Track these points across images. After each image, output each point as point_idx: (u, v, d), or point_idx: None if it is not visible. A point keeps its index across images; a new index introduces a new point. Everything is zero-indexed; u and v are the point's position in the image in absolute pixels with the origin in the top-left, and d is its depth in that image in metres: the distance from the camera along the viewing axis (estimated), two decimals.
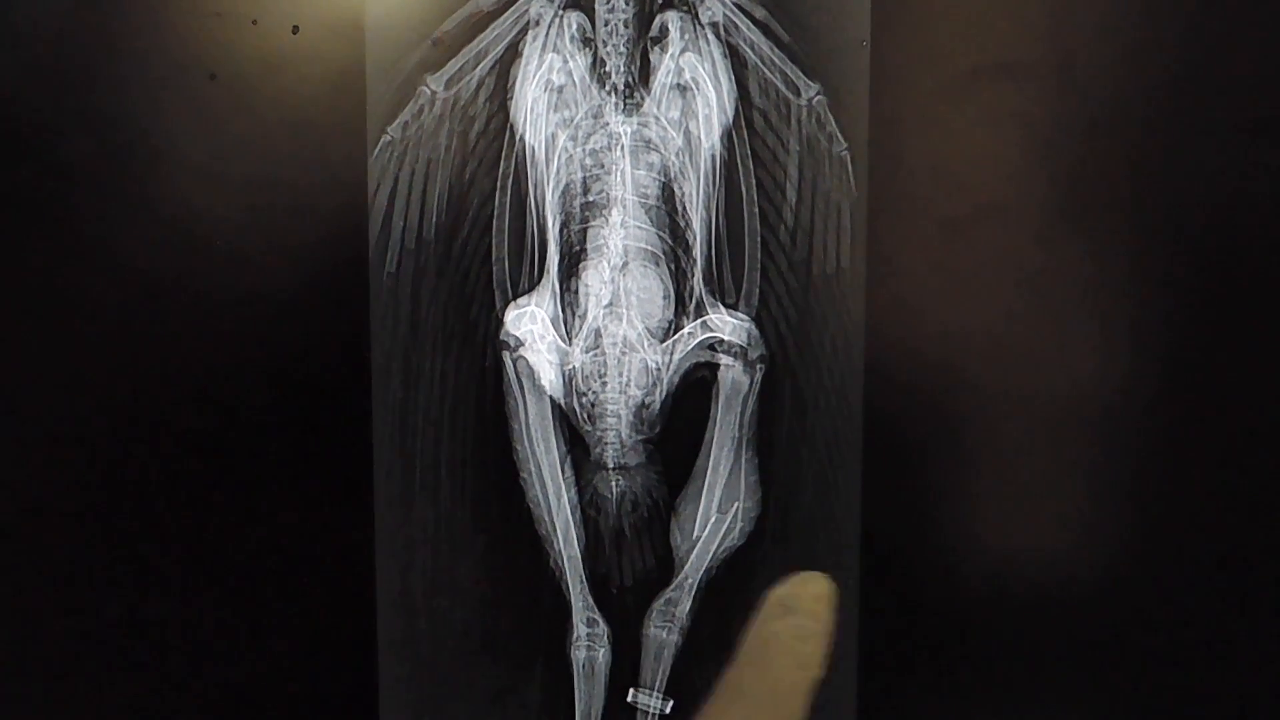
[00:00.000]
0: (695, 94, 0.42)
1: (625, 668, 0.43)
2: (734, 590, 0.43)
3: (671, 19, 0.41)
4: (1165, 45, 0.40)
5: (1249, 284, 0.41)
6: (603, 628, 0.43)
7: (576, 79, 0.42)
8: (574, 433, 0.43)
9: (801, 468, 0.42)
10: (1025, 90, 0.41)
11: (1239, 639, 0.42)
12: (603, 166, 0.42)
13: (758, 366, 0.42)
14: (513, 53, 0.42)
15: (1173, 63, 0.41)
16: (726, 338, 0.42)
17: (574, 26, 0.42)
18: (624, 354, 0.43)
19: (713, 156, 0.42)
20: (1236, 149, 0.40)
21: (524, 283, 0.42)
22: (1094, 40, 0.40)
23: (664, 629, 0.43)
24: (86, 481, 0.43)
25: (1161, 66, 0.41)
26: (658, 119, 0.42)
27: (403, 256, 0.42)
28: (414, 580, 0.43)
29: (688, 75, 0.41)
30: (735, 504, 0.42)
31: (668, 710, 0.43)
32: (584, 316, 0.43)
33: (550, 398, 0.43)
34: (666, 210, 0.42)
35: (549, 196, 0.42)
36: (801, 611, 0.24)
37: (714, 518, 0.43)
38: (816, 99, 0.41)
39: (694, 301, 0.42)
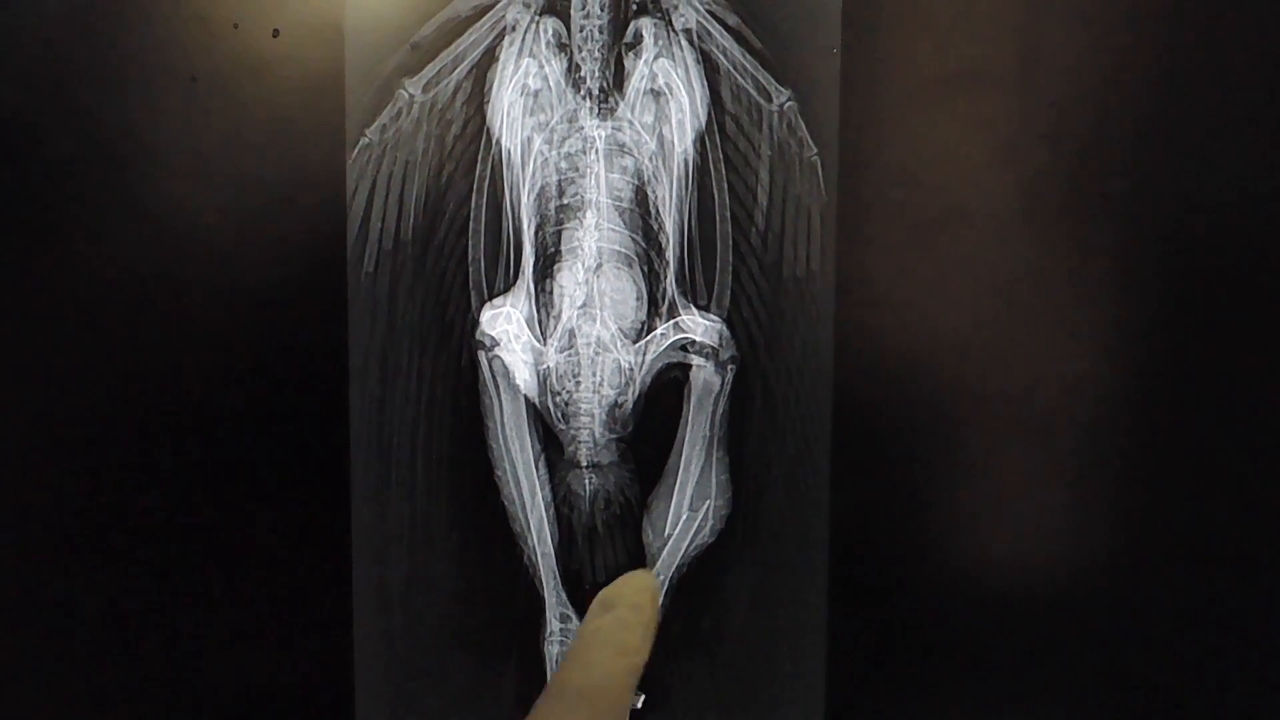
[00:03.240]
0: (669, 99, 0.42)
1: None
2: (705, 587, 0.43)
3: (646, 25, 0.42)
4: (1130, 52, 0.41)
5: (1218, 284, 0.42)
6: (576, 624, 0.43)
7: (552, 83, 0.42)
8: (548, 431, 0.44)
9: (771, 467, 0.43)
10: (993, 97, 0.41)
11: (1218, 637, 0.43)
12: (577, 170, 0.43)
13: (729, 367, 0.43)
14: (489, 57, 0.42)
15: (1138, 69, 0.41)
16: (698, 339, 0.43)
17: (550, 32, 0.42)
18: (597, 354, 0.43)
19: (685, 160, 0.42)
20: (1203, 152, 0.41)
21: (499, 283, 0.43)
22: (1060, 48, 0.41)
23: None
24: (62, 476, 0.43)
25: (1126, 73, 0.41)
26: (632, 123, 0.42)
27: (380, 257, 0.43)
28: (390, 576, 0.44)
29: (661, 80, 0.42)
30: (706, 502, 0.43)
31: (639, 704, 0.43)
32: (558, 317, 0.43)
33: (525, 397, 0.43)
34: (640, 213, 0.43)
35: (524, 199, 0.43)
36: (622, 605, 0.25)
37: (685, 515, 0.43)
38: (788, 105, 0.42)
39: (666, 303, 0.43)
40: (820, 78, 0.41)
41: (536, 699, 0.23)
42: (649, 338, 0.43)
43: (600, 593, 0.26)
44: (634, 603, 0.25)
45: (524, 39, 0.42)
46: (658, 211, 0.42)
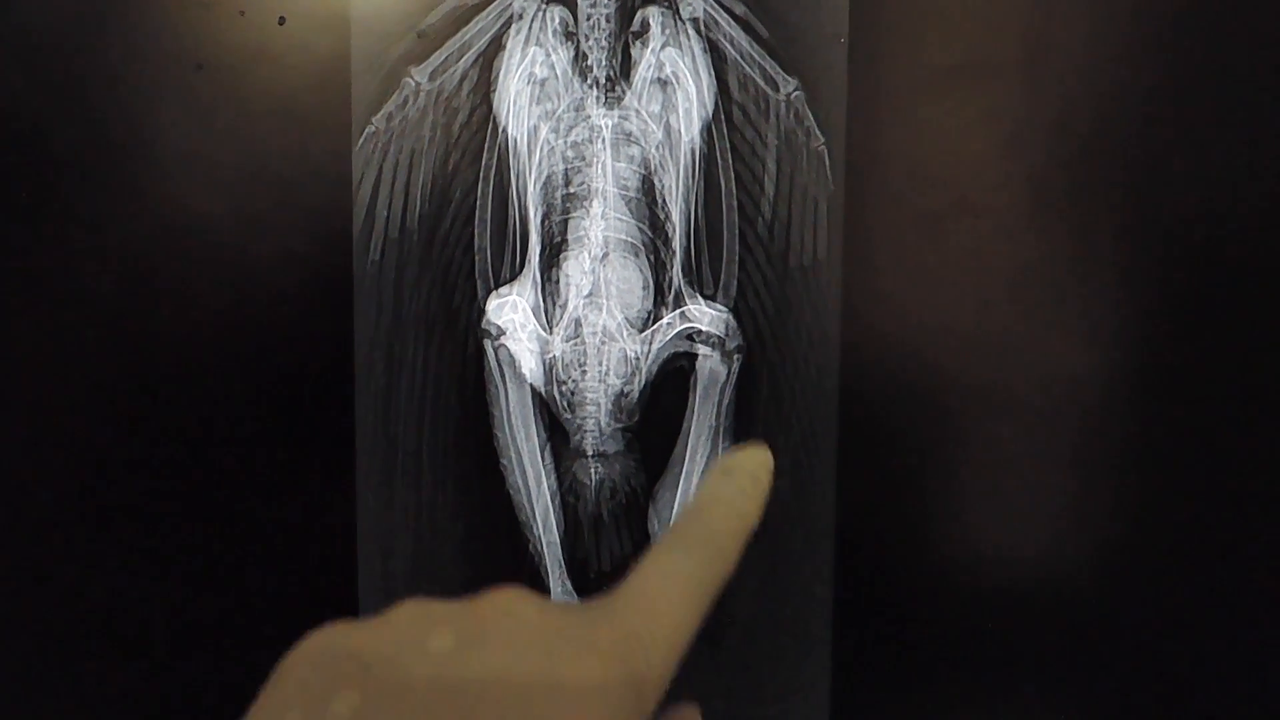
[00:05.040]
0: (675, 88, 0.42)
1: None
2: None
3: (653, 14, 0.42)
4: (1137, 44, 0.41)
5: (1224, 276, 0.42)
6: None
7: (559, 72, 0.42)
8: (554, 420, 0.44)
9: (777, 456, 0.42)
10: (999, 87, 0.41)
11: (1223, 634, 0.43)
12: (584, 159, 0.42)
13: (735, 356, 0.43)
14: (496, 46, 0.42)
15: (1145, 61, 0.41)
16: (704, 328, 0.43)
17: (556, 21, 0.42)
18: (604, 343, 0.43)
19: (692, 150, 0.42)
20: (1209, 144, 0.41)
21: (506, 272, 0.43)
22: (1068, 39, 0.41)
23: None
24: (63, 466, 0.43)
25: (1133, 65, 0.41)
26: (638, 112, 0.42)
27: (386, 245, 0.43)
28: (395, 565, 0.44)
29: (668, 70, 0.42)
30: None
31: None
32: (564, 306, 0.43)
33: (531, 386, 0.43)
34: (646, 202, 0.43)
35: (531, 188, 0.43)
36: (741, 473, 0.27)
37: None
38: (795, 94, 0.42)
39: (673, 292, 0.43)
40: (827, 67, 0.41)
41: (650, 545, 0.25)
42: (655, 327, 0.43)
43: (722, 458, 0.28)
44: (753, 474, 0.28)
45: (531, 27, 0.42)
46: (664, 201, 0.42)
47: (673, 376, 0.43)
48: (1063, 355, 0.42)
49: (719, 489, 0.27)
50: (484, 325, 0.43)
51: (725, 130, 0.42)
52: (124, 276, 0.43)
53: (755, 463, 0.28)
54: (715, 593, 0.25)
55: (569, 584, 0.44)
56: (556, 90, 0.42)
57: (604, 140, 0.42)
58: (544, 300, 0.43)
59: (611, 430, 0.43)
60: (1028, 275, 0.42)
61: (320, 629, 0.23)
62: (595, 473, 0.43)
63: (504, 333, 0.43)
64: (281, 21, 0.42)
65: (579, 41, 0.42)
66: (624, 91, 0.42)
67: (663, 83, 0.42)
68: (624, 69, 0.42)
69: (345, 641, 0.22)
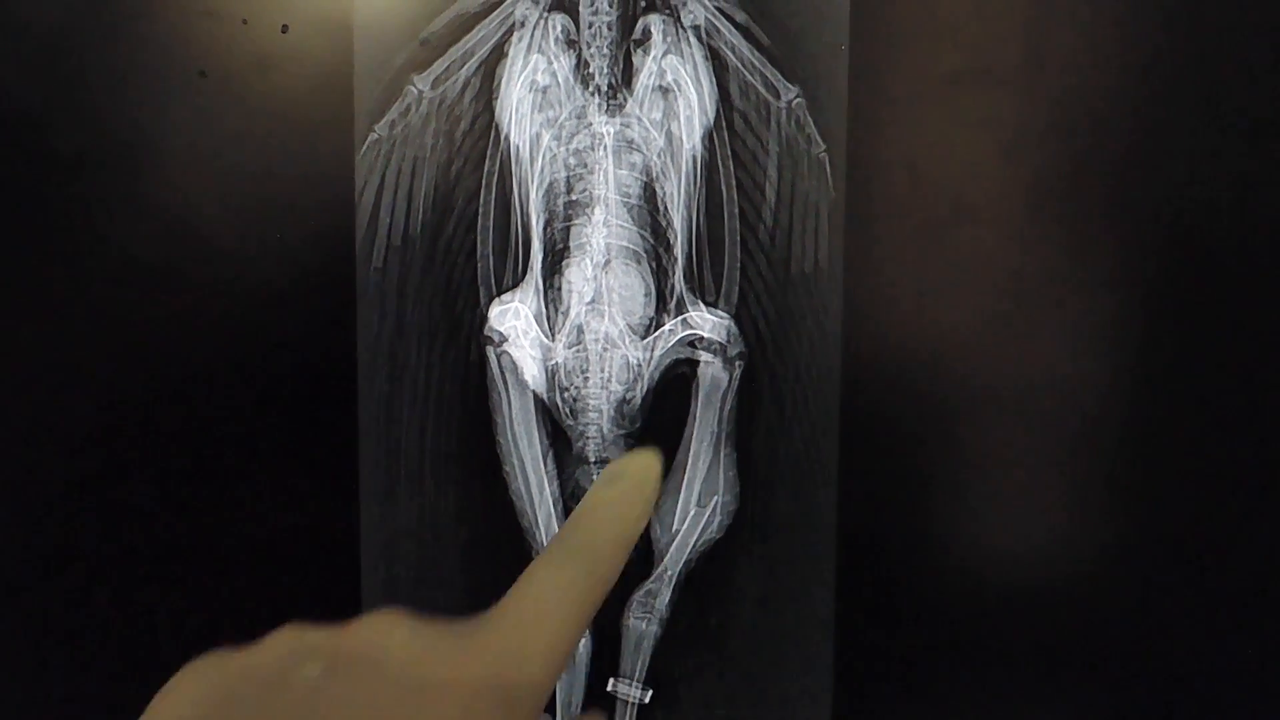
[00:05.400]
0: (677, 95, 0.42)
1: (605, 658, 0.44)
2: (712, 582, 0.43)
3: (654, 22, 0.42)
4: (1138, 49, 0.41)
5: (1223, 282, 0.42)
6: None
7: (561, 80, 0.42)
8: (556, 427, 0.44)
9: (779, 463, 0.43)
10: (1001, 93, 0.41)
11: (1228, 635, 0.43)
12: (586, 166, 0.43)
13: (737, 363, 0.43)
14: (498, 53, 0.42)
15: (1145, 66, 0.41)
16: (706, 335, 0.43)
17: (558, 28, 0.42)
18: (606, 350, 0.43)
19: (694, 157, 0.42)
20: (1210, 150, 0.41)
21: (508, 279, 0.43)
22: (1067, 45, 0.41)
23: (643, 620, 0.43)
24: (67, 472, 0.43)
25: (1134, 70, 0.41)
26: (640, 120, 0.42)
27: (389, 253, 0.43)
28: (398, 571, 0.44)
29: (670, 77, 0.42)
30: (714, 498, 0.43)
31: (647, 699, 0.43)
32: (567, 313, 0.43)
33: (533, 392, 0.43)
34: (648, 209, 0.43)
35: (533, 195, 0.43)
36: (627, 479, 0.27)
37: (693, 511, 0.43)
38: (796, 101, 0.42)
39: (674, 299, 0.43)
40: (828, 74, 0.41)
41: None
42: (657, 334, 0.43)
43: (609, 465, 0.28)
44: (638, 478, 0.27)
45: (533, 35, 0.42)
46: (666, 208, 0.43)
47: (675, 383, 0.43)
48: (1065, 360, 0.42)
49: (602, 495, 0.27)
50: (486, 332, 0.43)
51: (726, 137, 0.42)
52: (126, 283, 0.43)
53: (640, 467, 0.28)
54: (598, 600, 0.25)
55: None
56: (558, 98, 0.43)
57: (606, 147, 0.43)
58: (546, 307, 0.43)
59: (614, 437, 0.43)
60: (1029, 281, 0.42)
61: (198, 658, 0.23)
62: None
63: (506, 340, 0.43)
64: (284, 29, 0.42)
65: (581, 49, 0.42)
66: (626, 99, 0.43)
67: (664, 90, 0.42)
68: (626, 76, 0.42)
69: (217, 672, 0.22)
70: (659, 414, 0.43)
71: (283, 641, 0.23)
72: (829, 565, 0.43)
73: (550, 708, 0.44)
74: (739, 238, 0.42)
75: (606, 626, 0.44)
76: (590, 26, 0.42)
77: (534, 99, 0.42)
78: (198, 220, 0.43)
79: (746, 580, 0.43)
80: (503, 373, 0.43)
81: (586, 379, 0.43)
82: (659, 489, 0.28)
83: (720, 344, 0.43)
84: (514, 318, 0.43)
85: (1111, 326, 0.42)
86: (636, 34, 0.42)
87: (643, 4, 0.42)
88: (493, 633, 0.23)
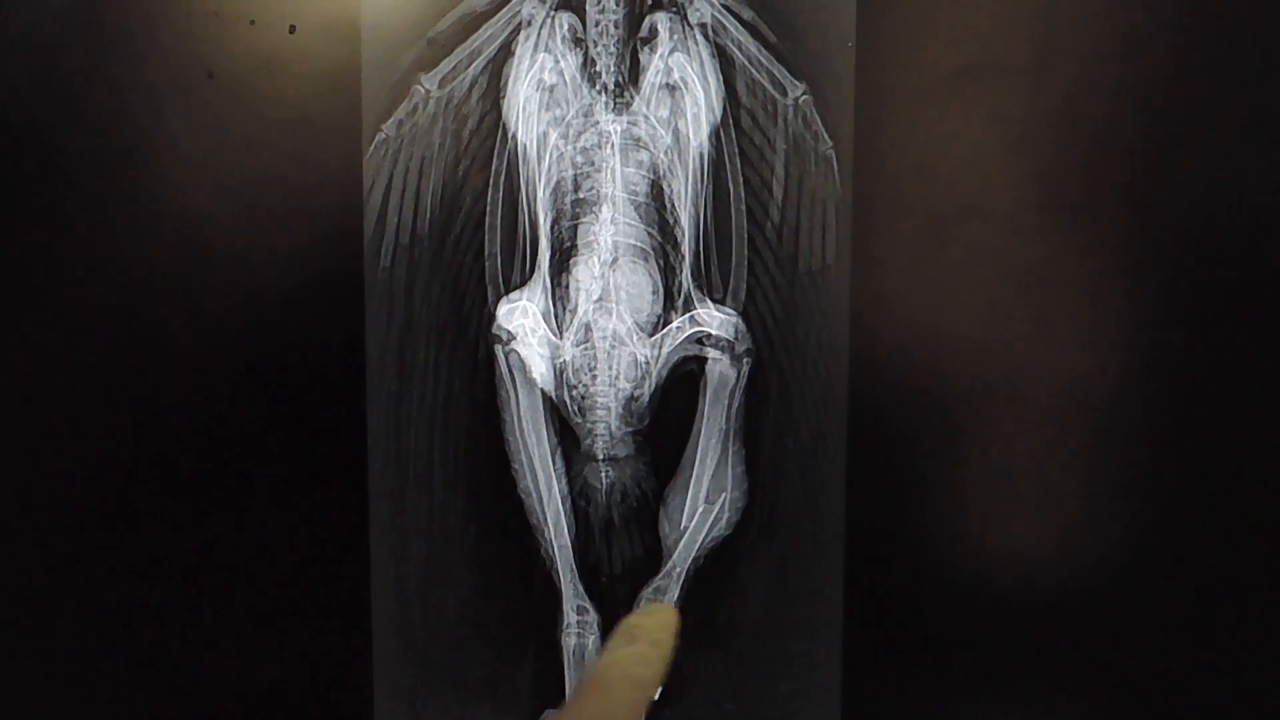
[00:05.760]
0: (684, 93, 0.42)
1: None
2: (721, 579, 0.43)
3: (661, 20, 0.42)
4: (1145, 46, 0.41)
5: (1231, 279, 0.42)
6: (593, 615, 0.44)
7: (567, 78, 0.43)
8: (564, 425, 0.44)
9: (787, 459, 0.43)
10: (1007, 90, 0.41)
11: (1233, 636, 0.43)
12: (593, 164, 0.43)
13: (745, 360, 0.43)
14: (505, 52, 0.42)
15: (1153, 63, 0.41)
16: (714, 332, 0.43)
17: (565, 27, 0.42)
18: (614, 348, 0.43)
19: (701, 154, 0.42)
20: (1218, 144, 0.41)
21: (516, 278, 0.43)
22: (1074, 41, 0.41)
23: None
24: (78, 471, 0.44)
25: (1141, 67, 0.41)
26: (647, 118, 0.42)
27: (397, 252, 0.43)
28: (407, 569, 0.44)
29: (676, 75, 0.42)
30: (722, 494, 0.43)
31: (655, 696, 0.44)
32: (574, 311, 0.43)
33: (541, 390, 0.44)
34: (655, 207, 0.43)
35: (540, 193, 0.43)
36: (643, 640, 0.27)
37: (701, 508, 0.43)
38: (803, 98, 0.42)
39: (682, 296, 0.43)
40: (835, 71, 0.41)
41: None
42: (665, 331, 0.43)
43: (623, 622, 0.27)
44: (655, 638, 0.27)
45: (540, 34, 0.42)
46: (673, 205, 0.43)
47: (682, 380, 0.43)
48: (1072, 358, 0.42)
49: (619, 657, 0.26)
50: (494, 330, 0.43)
51: (734, 135, 0.42)
52: (135, 284, 0.43)
53: (658, 625, 0.27)
54: None
55: (580, 587, 0.44)
56: (565, 96, 0.43)
57: (613, 145, 0.43)
58: (554, 305, 0.43)
59: (622, 434, 0.43)
60: (1036, 278, 0.42)
61: None
62: (606, 476, 0.44)
63: (514, 338, 0.43)
64: (292, 30, 0.42)
65: (588, 47, 0.42)
66: (632, 97, 0.43)
67: (671, 88, 0.42)
68: (632, 74, 0.42)
69: None
70: (667, 411, 0.43)
71: None
72: (837, 561, 0.43)
73: (558, 704, 0.44)
74: (746, 235, 0.42)
75: (615, 623, 0.44)
76: (597, 25, 0.42)
77: (541, 97, 0.43)
78: (206, 220, 0.43)
79: (754, 576, 0.43)
80: (511, 371, 0.43)
81: (594, 377, 0.43)
82: (675, 646, 0.27)
83: (728, 341, 0.43)
84: (522, 316, 0.43)
85: (1119, 323, 0.42)
86: (643, 32, 0.42)
87: (649, 2, 0.42)
88: None
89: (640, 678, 0.26)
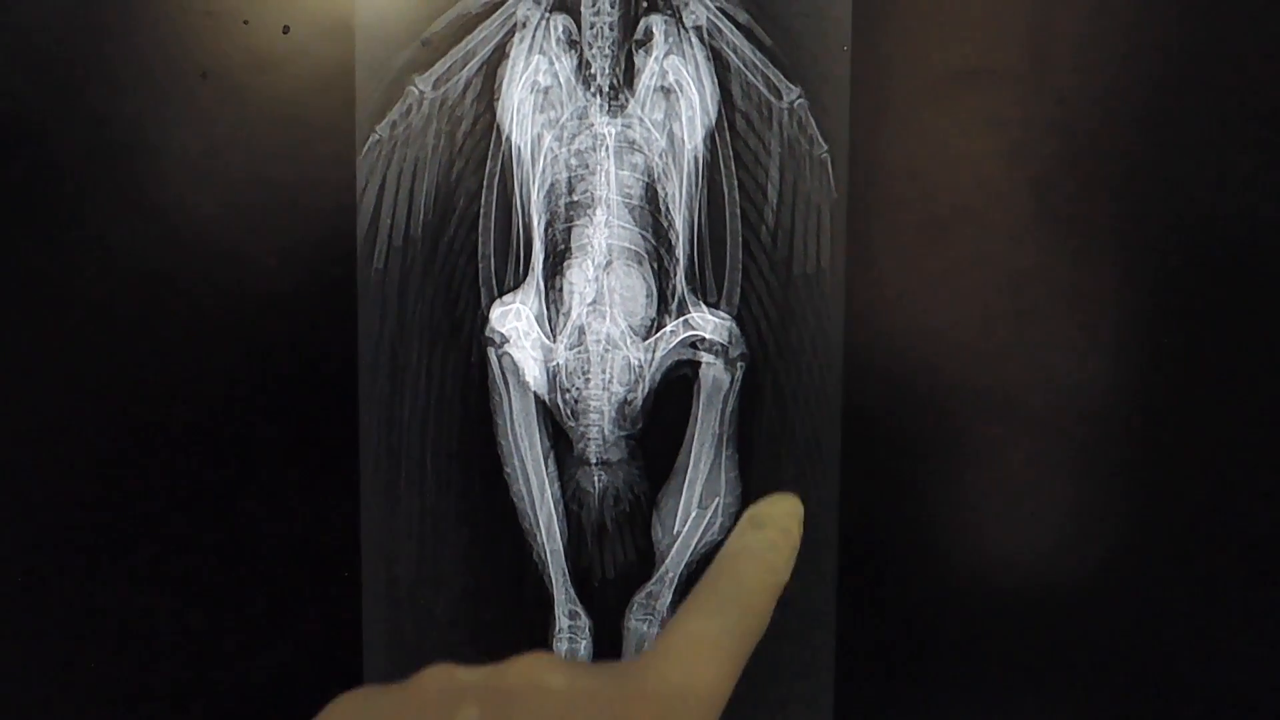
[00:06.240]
0: (679, 96, 0.42)
1: (606, 660, 0.44)
2: None
3: (656, 22, 0.42)
4: (1141, 50, 0.41)
5: (1229, 282, 0.42)
6: (584, 620, 0.44)
7: (562, 80, 0.42)
8: (557, 428, 0.44)
9: (781, 465, 0.43)
10: (1004, 94, 0.41)
11: (1228, 638, 0.43)
12: (587, 167, 0.43)
13: (738, 365, 0.43)
14: (500, 54, 0.42)
15: (1148, 67, 0.41)
16: (708, 336, 0.43)
17: (560, 29, 0.42)
18: (607, 351, 0.43)
19: (695, 158, 0.42)
20: (1214, 148, 0.41)
21: (509, 280, 0.43)
22: (1071, 45, 0.41)
23: (645, 622, 0.43)
24: (66, 471, 0.43)
25: (1138, 71, 0.41)
26: (642, 120, 0.42)
27: (390, 254, 0.43)
28: (399, 573, 0.44)
29: (671, 78, 0.42)
30: (716, 500, 0.43)
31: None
32: (568, 314, 0.43)
33: (534, 394, 0.43)
34: (650, 210, 0.43)
35: (534, 196, 0.43)
36: (772, 526, 0.26)
37: (695, 513, 0.43)
38: (798, 102, 0.42)
39: (676, 300, 0.43)
40: (831, 75, 0.41)
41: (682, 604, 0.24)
42: (658, 335, 0.43)
43: (749, 510, 0.27)
44: (783, 526, 0.27)
45: (534, 36, 0.42)
46: (668, 209, 0.43)
47: (676, 384, 0.43)
48: (1068, 362, 0.42)
49: (749, 542, 0.26)
50: (487, 333, 0.43)
51: (728, 138, 0.42)
52: (126, 284, 0.43)
53: (785, 513, 0.27)
54: (749, 649, 0.24)
55: (572, 592, 0.44)
56: (560, 98, 0.42)
57: (607, 148, 0.42)
58: (547, 308, 0.43)
59: (615, 438, 0.43)
60: (1032, 282, 0.42)
61: (346, 695, 0.22)
62: (598, 480, 0.44)
63: (507, 341, 0.43)
64: (286, 30, 0.42)
65: (582, 50, 0.42)
66: (627, 99, 0.42)
67: (666, 91, 0.42)
68: (627, 77, 0.42)
69: (368, 708, 0.22)
70: (660, 415, 0.43)
71: (434, 680, 0.22)
72: (830, 567, 0.43)
73: None
74: (741, 239, 0.42)
75: (608, 629, 0.44)
76: (592, 27, 0.42)
77: (535, 100, 0.42)
78: (198, 221, 0.43)
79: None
80: (504, 374, 0.43)
81: (588, 380, 0.43)
82: (801, 534, 0.27)
83: (722, 345, 0.43)
84: (515, 319, 0.43)
85: (1115, 326, 0.42)
86: (638, 34, 0.42)
87: (644, 4, 0.42)
88: (651, 680, 0.22)
89: (772, 563, 0.26)
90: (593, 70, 0.42)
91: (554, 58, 0.42)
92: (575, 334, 0.43)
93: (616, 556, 0.44)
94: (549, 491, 0.43)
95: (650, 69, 0.42)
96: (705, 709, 0.22)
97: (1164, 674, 0.43)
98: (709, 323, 0.43)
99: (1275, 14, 0.40)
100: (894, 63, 0.41)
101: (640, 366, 0.43)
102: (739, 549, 0.26)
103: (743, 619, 0.24)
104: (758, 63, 0.42)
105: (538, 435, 0.43)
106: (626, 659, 0.23)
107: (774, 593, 0.26)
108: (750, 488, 0.43)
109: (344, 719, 0.22)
